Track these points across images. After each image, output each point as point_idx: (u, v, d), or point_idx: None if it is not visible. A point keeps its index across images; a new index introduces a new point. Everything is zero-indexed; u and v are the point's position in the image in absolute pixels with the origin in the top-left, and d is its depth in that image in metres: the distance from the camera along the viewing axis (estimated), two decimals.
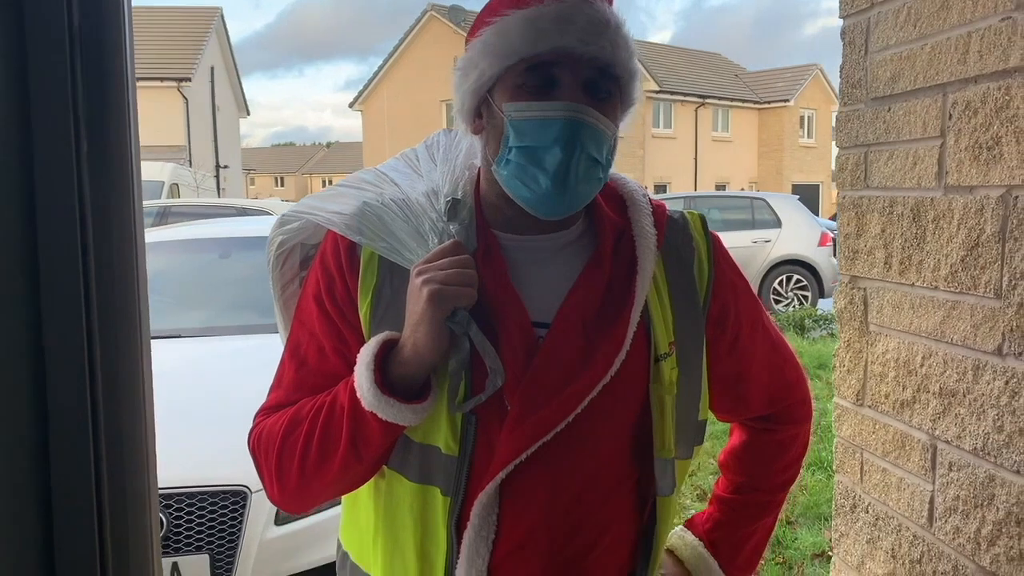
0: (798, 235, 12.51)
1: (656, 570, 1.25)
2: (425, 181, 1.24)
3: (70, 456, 0.74)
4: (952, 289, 1.58)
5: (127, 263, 0.75)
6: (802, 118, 37.44)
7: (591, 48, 1.07)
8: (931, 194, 1.64)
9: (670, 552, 1.40)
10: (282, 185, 67.90)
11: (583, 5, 1.08)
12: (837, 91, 2.00)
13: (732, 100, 36.66)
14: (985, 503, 1.51)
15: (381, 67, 36.61)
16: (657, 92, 32.74)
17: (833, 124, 2.18)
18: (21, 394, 0.71)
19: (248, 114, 37.91)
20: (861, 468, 1.93)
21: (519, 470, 1.09)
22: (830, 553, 2.30)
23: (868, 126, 1.85)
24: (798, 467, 1.41)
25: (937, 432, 1.65)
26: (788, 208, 13.00)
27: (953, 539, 1.60)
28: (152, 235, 5.16)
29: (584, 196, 1.12)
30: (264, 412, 1.22)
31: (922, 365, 1.68)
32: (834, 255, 10.77)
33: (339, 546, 1.31)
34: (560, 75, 1.08)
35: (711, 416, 1.30)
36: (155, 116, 25.24)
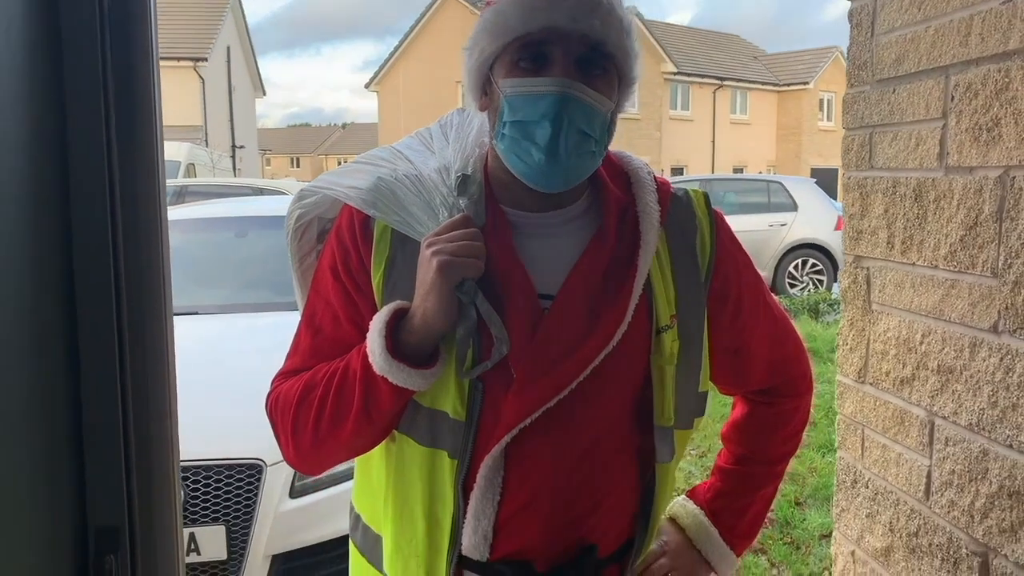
0: (814, 219, 12.44)
1: (655, 535, 1.30)
2: (437, 158, 1.29)
3: (101, 418, 0.78)
4: (951, 268, 1.61)
5: (153, 233, 0.79)
6: (821, 101, 37.07)
7: (581, 25, 1.10)
8: (933, 175, 1.67)
9: (672, 520, 1.45)
10: (298, 166, 67.99)
11: None
12: None
13: (751, 82, 36.35)
14: (979, 477, 1.55)
15: (397, 47, 36.51)
16: (675, 74, 32.52)
17: None
18: (56, 363, 0.76)
19: (264, 94, 37.95)
20: (862, 444, 1.96)
21: (524, 434, 1.14)
22: None
23: (873, 107, 1.87)
24: (798, 439, 1.45)
25: (935, 408, 1.68)
26: (804, 191, 12.93)
27: (948, 512, 1.64)
28: (170, 214, 5.20)
29: (578, 169, 1.16)
30: (281, 377, 1.27)
31: (921, 343, 1.71)
32: None
33: (352, 508, 1.37)
34: (552, 52, 1.12)
35: (720, 398, 1.34)
36: (171, 96, 25.26)
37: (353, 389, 1.15)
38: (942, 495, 1.66)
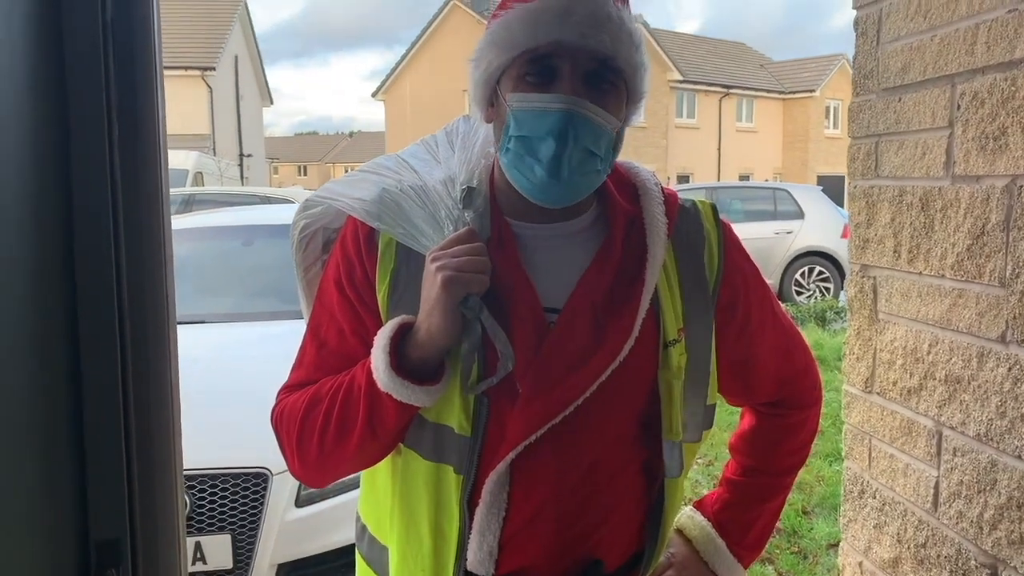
0: (821, 226, 12.41)
1: (663, 550, 1.29)
2: (443, 168, 1.28)
3: (103, 431, 0.78)
4: (958, 277, 1.60)
5: (156, 242, 0.79)
6: (828, 108, 37.05)
7: (590, 41, 1.09)
8: (939, 183, 1.66)
9: (679, 532, 1.44)
10: (305, 174, 68.22)
11: None
12: None
13: (757, 90, 36.36)
14: (987, 488, 1.54)
15: (404, 57, 36.65)
16: (681, 82, 32.56)
17: None
18: (58, 373, 0.76)
19: (271, 103, 38.10)
20: (869, 454, 1.95)
21: (530, 450, 1.13)
22: None
23: (879, 116, 1.87)
24: (807, 451, 1.44)
25: (943, 418, 1.67)
26: (811, 199, 12.91)
27: (957, 523, 1.63)
28: (176, 222, 5.23)
29: (581, 187, 1.15)
30: (286, 390, 1.27)
31: (929, 352, 1.71)
32: None
33: (358, 518, 1.36)
34: (560, 67, 1.11)
35: (726, 408, 1.33)
36: (179, 105, 25.43)
37: (358, 405, 1.14)
38: (950, 506, 1.65)
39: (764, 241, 11.86)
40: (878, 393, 1.91)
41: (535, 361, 1.13)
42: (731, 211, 12.64)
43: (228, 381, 3.33)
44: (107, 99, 0.73)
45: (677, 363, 1.20)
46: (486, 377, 1.13)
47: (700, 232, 1.26)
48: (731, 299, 1.27)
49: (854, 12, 1.97)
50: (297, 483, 2.87)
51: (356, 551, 1.37)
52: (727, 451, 1.48)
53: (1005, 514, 1.49)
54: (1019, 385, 1.45)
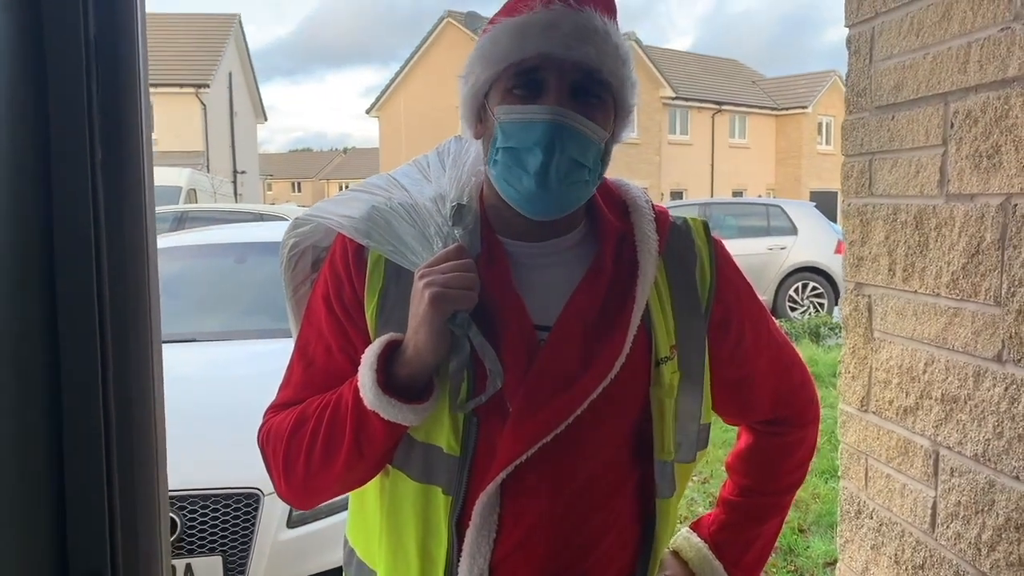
0: (814, 242, 12.45)
1: (656, 572, 1.27)
2: (433, 186, 1.28)
3: (83, 460, 0.77)
4: (954, 296, 1.59)
5: (140, 267, 0.78)
6: (820, 125, 37.27)
7: (574, 53, 1.10)
8: (933, 202, 1.66)
9: (675, 553, 1.42)
10: (299, 191, 68.29)
11: (570, 12, 1.11)
12: None
13: (749, 106, 36.56)
14: (985, 509, 1.52)
15: (398, 74, 36.79)
16: (673, 99, 32.73)
17: None
18: (37, 397, 0.74)
19: (266, 120, 38.19)
20: (866, 474, 1.94)
21: (520, 470, 1.11)
22: None
23: (873, 134, 1.87)
24: (805, 470, 1.43)
25: (939, 438, 1.66)
26: (804, 215, 12.95)
27: (955, 545, 1.61)
28: (169, 240, 5.22)
29: (569, 198, 1.15)
30: (273, 409, 1.25)
31: (924, 371, 1.69)
32: None
33: (345, 542, 1.34)
34: (546, 79, 1.11)
35: (722, 424, 1.32)
36: (173, 122, 25.47)
37: (344, 424, 1.13)
38: (948, 527, 1.63)
39: (758, 257, 11.88)
40: (874, 412, 1.89)
41: (525, 379, 1.12)
42: (724, 227, 12.67)
43: (219, 400, 3.30)
44: (90, 118, 0.72)
45: (669, 381, 1.19)
46: (475, 395, 1.11)
47: (691, 249, 1.26)
48: (724, 316, 1.26)
49: (847, 30, 1.97)
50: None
51: (344, 575, 1.35)
52: (723, 469, 1.47)
53: (1003, 535, 1.48)
54: (1016, 405, 1.44)
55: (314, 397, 1.19)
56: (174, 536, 2.69)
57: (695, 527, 1.44)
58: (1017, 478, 1.44)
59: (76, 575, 0.74)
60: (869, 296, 1.90)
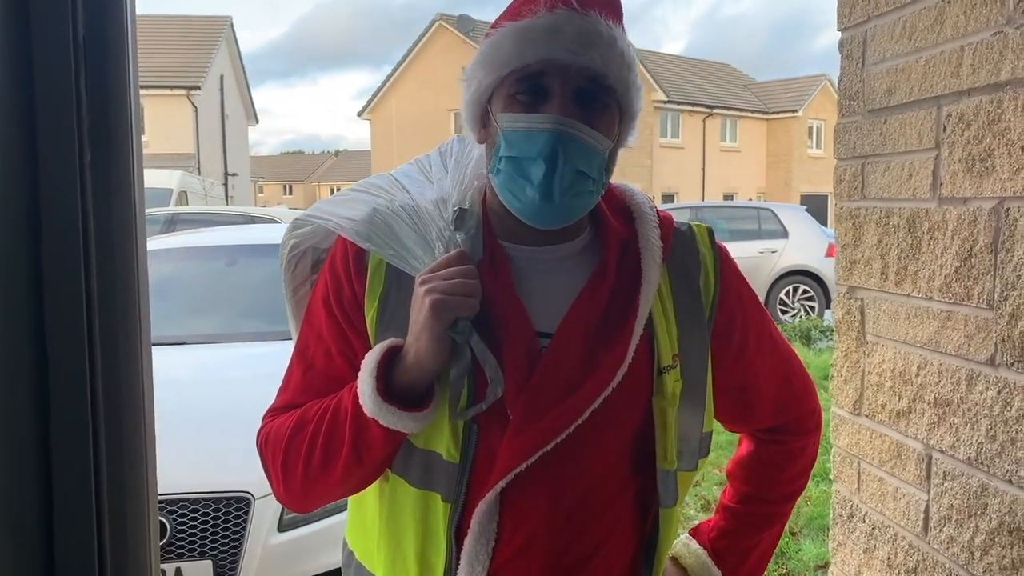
0: (805, 245, 12.49)
1: None
2: (435, 188, 1.26)
3: (71, 463, 0.76)
4: (946, 300, 1.59)
5: (128, 270, 0.77)
6: (810, 128, 37.40)
7: (579, 58, 1.08)
8: (926, 205, 1.66)
9: (674, 560, 1.41)
10: (290, 193, 68.15)
11: (574, 17, 1.09)
12: None
13: (740, 110, 36.67)
14: (978, 512, 1.52)
15: (389, 76, 36.76)
16: (665, 102, 32.80)
17: None
18: (23, 402, 0.73)
19: (257, 122, 38.12)
20: (858, 478, 1.94)
21: (520, 479, 1.10)
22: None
23: (865, 138, 1.87)
24: (806, 478, 1.41)
25: (932, 442, 1.66)
26: (795, 218, 13.00)
27: (947, 548, 1.61)
28: (160, 242, 5.20)
29: (574, 208, 1.13)
30: (272, 413, 1.24)
31: (917, 375, 1.69)
32: None
33: (345, 544, 1.33)
34: (550, 85, 1.09)
35: (717, 427, 1.31)
36: (164, 124, 25.41)
37: (344, 430, 1.11)
38: (941, 530, 1.63)
39: (749, 260, 11.90)
40: (867, 416, 1.89)
41: (526, 387, 1.10)
42: (716, 230, 12.67)
43: (210, 403, 3.29)
44: (78, 119, 0.71)
45: (672, 390, 1.18)
46: (475, 403, 1.10)
47: (696, 256, 1.25)
48: (728, 324, 1.25)
49: (839, 34, 1.98)
50: (280, 507, 2.82)
51: None
52: (715, 472, 1.46)
53: (996, 539, 1.48)
54: (1009, 408, 1.44)
55: (313, 401, 1.18)
56: (164, 540, 2.67)
57: (694, 533, 1.43)
58: (1010, 482, 1.44)
59: None
60: (862, 299, 1.90)
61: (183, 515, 2.72)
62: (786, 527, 1.45)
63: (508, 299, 1.13)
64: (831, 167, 2.03)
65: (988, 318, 1.48)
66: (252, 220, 9.76)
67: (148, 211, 9.50)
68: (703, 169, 34.90)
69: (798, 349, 9.69)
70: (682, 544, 1.42)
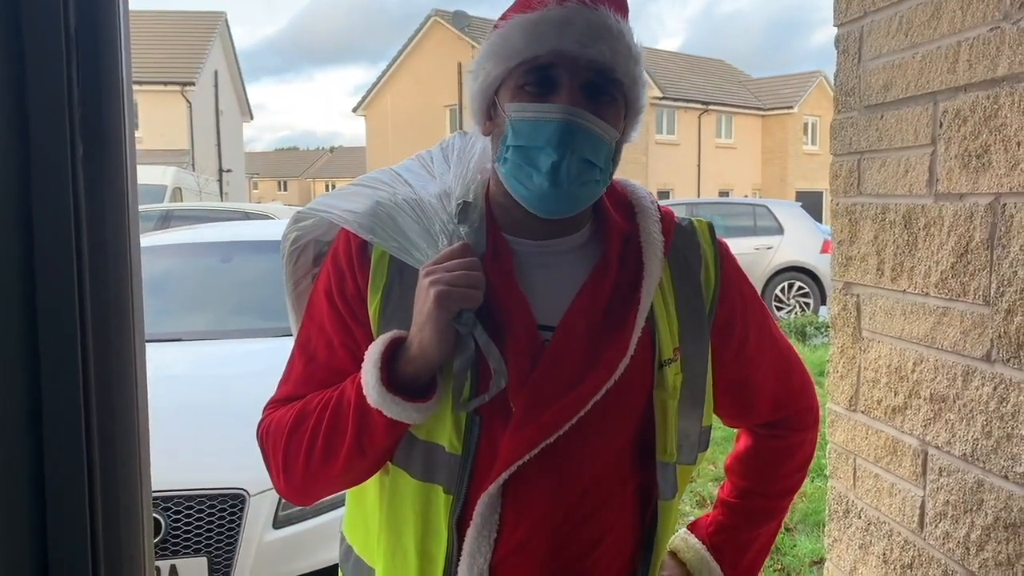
0: (800, 242, 12.51)
1: (656, 574, 1.27)
2: (438, 183, 1.27)
3: (63, 460, 0.75)
4: (942, 296, 1.59)
5: (121, 265, 0.76)
6: (806, 125, 37.45)
7: (589, 51, 1.09)
8: (922, 201, 1.65)
9: (673, 554, 1.42)
10: (285, 189, 68.06)
11: (583, 10, 1.10)
12: None
13: (736, 107, 36.69)
14: (974, 508, 1.52)
15: (384, 72, 36.70)
16: (660, 99, 32.80)
17: None
18: (15, 398, 0.73)
19: (252, 118, 38.04)
20: (854, 474, 1.94)
21: (522, 471, 1.10)
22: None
23: (861, 133, 1.87)
24: (804, 473, 1.42)
25: (928, 438, 1.66)
26: (790, 215, 13.01)
27: (943, 544, 1.61)
28: (154, 239, 5.18)
29: (580, 198, 1.14)
30: (273, 405, 1.24)
31: (913, 371, 1.69)
32: None
33: (342, 539, 1.33)
34: (559, 76, 1.10)
35: (714, 423, 1.32)
36: (158, 120, 25.36)
37: (346, 421, 1.12)
38: (936, 526, 1.63)
39: (744, 257, 11.91)
40: (862, 412, 1.89)
41: (529, 380, 1.11)
42: None
43: (205, 400, 3.28)
44: (70, 112, 0.70)
45: (672, 383, 1.19)
46: (478, 394, 1.11)
47: (697, 251, 1.25)
48: (728, 319, 1.26)
49: (835, 30, 1.97)
50: (275, 504, 2.82)
51: (340, 573, 1.33)
52: (710, 467, 1.47)
53: (992, 535, 1.48)
54: (1005, 404, 1.44)
55: (315, 393, 1.18)
56: (159, 537, 2.67)
57: (692, 528, 1.44)
58: (1006, 477, 1.44)
59: None
60: (857, 295, 1.90)
61: (178, 512, 2.71)
62: (784, 520, 1.46)
63: (511, 292, 1.14)
64: (826, 163, 2.03)
65: (984, 314, 1.48)
66: (247, 216, 9.74)
67: (142, 208, 9.49)
68: (698, 166, 34.92)
69: (794, 345, 9.70)
70: (680, 539, 1.42)
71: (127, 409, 0.79)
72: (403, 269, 1.16)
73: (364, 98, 37.66)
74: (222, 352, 3.89)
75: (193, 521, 2.72)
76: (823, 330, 10.62)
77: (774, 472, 1.39)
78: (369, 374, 1.08)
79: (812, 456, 1.42)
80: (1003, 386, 1.44)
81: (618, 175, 1.30)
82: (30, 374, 0.72)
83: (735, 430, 1.46)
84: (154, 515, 2.65)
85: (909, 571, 1.73)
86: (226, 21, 31.75)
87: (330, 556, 2.78)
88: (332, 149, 78.23)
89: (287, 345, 1.31)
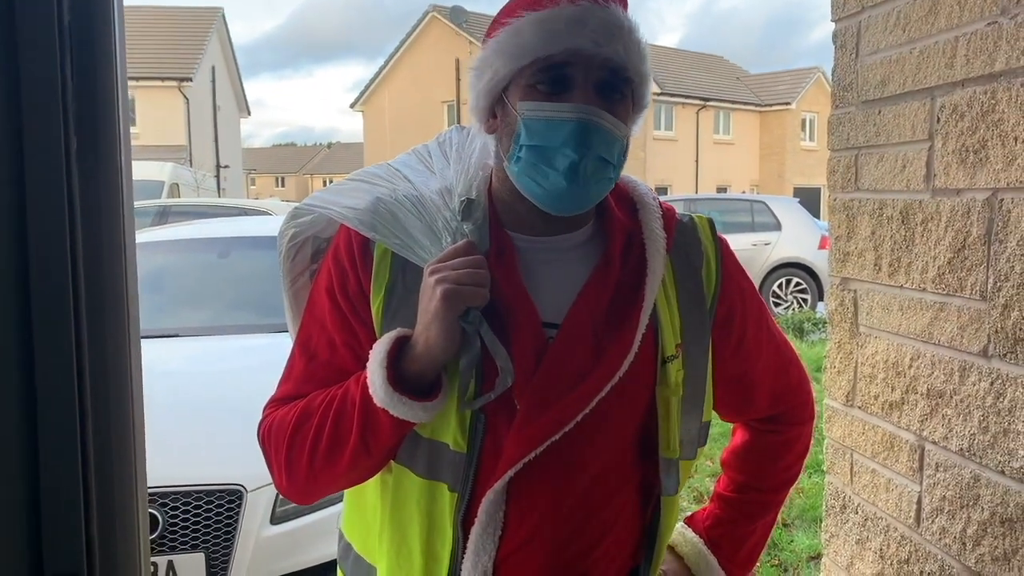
0: (798, 238, 12.52)
1: (658, 568, 1.27)
2: (438, 179, 1.26)
3: (58, 456, 0.75)
4: (940, 291, 1.59)
5: (116, 260, 0.76)
6: (804, 121, 37.44)
7: (604, 50, 1.08)
8: (919, 197, 1.65)
9: (670, 548, 1.42)
10: (283, 185, 67.97)
11: (596, 8, 1.09)
12: None
13: (734, 103, 36.66)
14: (971, 503, 1.52)
15: (382, 68, 36.64)
16: (659, 94, 32.75)
17: None
18: (10, 393, 0.72)
19: (249, 114, 37.97)
20: (851, 469, 1.94)
21: (526, 469, 1.10)
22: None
23: (859, 129, 1.86)
24: (800, 467, 1.43)
25: (925, 433, 1.66)
26: (788, 211, 13.01)
27: (940, 539, 1.62)
28: (151, 234, 5.17)
29: (594, 195, 1.14)
30: (274, 404, 1.23)
31: (910, 367, 1.69)
32: None
33: (341, 536, 1.32)
34: (573, 75, 1.09)
35: (712, 417, 1.32)
36: (156, 116, 25.30)
37: (351, 420, 1.11)
38: (933, 521, 1.63)
39: (742, 253, 11.71)
40: (859, 407, 1.89)
41: (533, 378, 1.11)
42: None
43: (202, 395, 3.28)
44: (64, 106, 0.70)
45: (675, 379, 1.19)
46: (483, 393, 1.10)
47: (698, 248, 1.26)
48: (728, 315, 1.26)
49: (833, 25, 1.97)
50: (272, 500, 2.82)
51: (339, 570, 1.33)
52: (707, 463, 1.48)
53: (988, 530, 1.48)
54: (1001, 399, 1.44)
55: (317, 392, 1.18)
56: (156, 533, 2.66)
57: (689, 522, 1.45)
58: (1002, 472, 1.44)
59: None
60: (855, 291, 1.90)
61: (175, 508, 2.71)
62: (779, 517, 1.46)
63: (515, 289, 1.14)
64: (824, 159, 2.03)
65: (981, 309, 1.48)
66: (244, 212, 9.74)
67: (139, 203, 9.48)
68: (696, 161, 34.91)
69: (791, 341, 9.72)
70: (678, 532, 1.42)
71: (122, 404, 0.79)
72: (406, 266, 1.16)
73: (362, 94, 37.60)
74: (219, 348, 3.89)
75: (191, 517, 2.72)
76: (820, 326, 10.63)
77: (771, 466, 1.40)
78: (375, 373, 1.08)
79: (808, 450, 1.42)
80: (1000, 381, 1.44)
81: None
82: (24, 369, 0.72)
83: (731, 425, 1.46)
84: (152, 511, 2.65)
85: (906, 566, 1.73)
86: (223, 16, 31.67)
87: (328, 552, 2.78)
88: (330, 145, 78.12)
89: (285, 341, 1.31)
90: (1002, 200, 1.43)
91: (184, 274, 4.68)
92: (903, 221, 1.70)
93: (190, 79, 26.77)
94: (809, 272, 12.42)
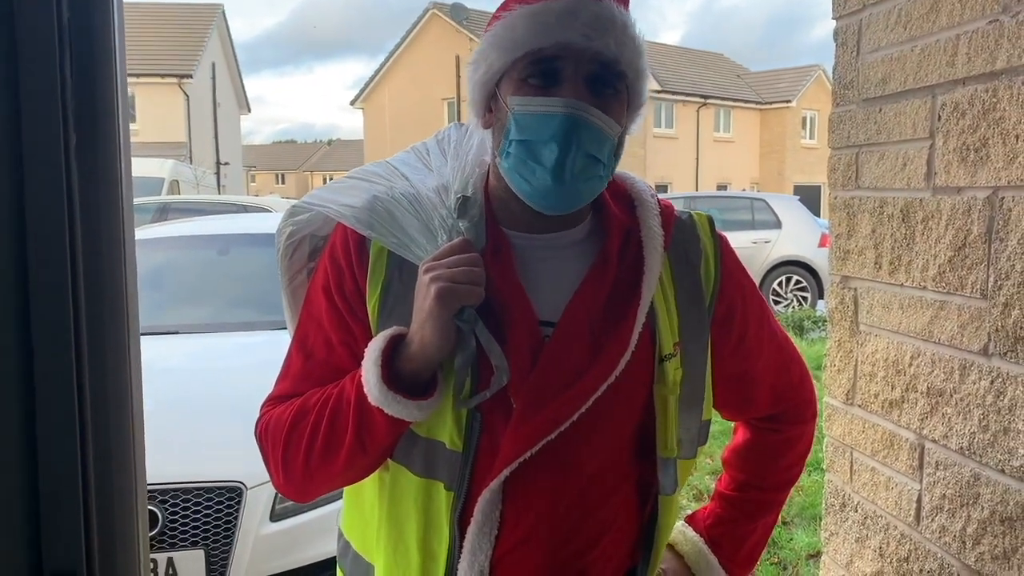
0: (798, 236, 12.51)
1: (656, 567, 1.27)
2: (435, 176, 1.25)
3: (57, 453, 0.75)
4: (940, 289, 1.59)
5: (115, 257, 0.76)
6: (804, 119, 37.43)
7: (595, 43, 1.07)
8: (920, 195, 1.65)
9: (671, 547, 1.41)
10: (283, 182, 67.95)
11: (589, 2, 1.09)
12: None
13: (734, 100, 36.65)
14: (970, 502, 1.52)
15: (382, 65, 36.62)
16: (659, 92, 32.73)
17: None
18: (9, 390, 0.72)
19: (249, 111, 37.96)
20: (851, 467, 1.94)
21: (523, 468, 1.10)
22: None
23: (860, 127, 1.86)
24: (801, 466, 1.42)
25: (925, 431, 1.66)
26: (788, 209, 13.01)
27: (939, 538, 1.62)
28: (151, 231, 5.17)
29: (584, 193, 1.13)
30: (271, 402, 1.23)
31: (910, 365, 1.69)
32: None
33: (340, 534, 1.32)
34: (563, 69, 1.08)
35: (712, 416, 1.32)
36: (156, 112, 25.29)
37: (347, 418, 1.11)
38: (933, 520, 1.63)
39: (742, 251, 11.78)
40: (859, 406, 1.89)
41: (530, 376, 1.10)
42: None
43: (202, 393, 3.28)
44: (63, 102, 0.70)
45: (672, 378, 1.18)
46: (478, 391, 1.10)
47: (697, 245, 1.24)
48: (727, 313, 1.25)
49: (834, 22, 1.97)
50: (272, 497, 2.82)
51: (338, 568, 1.33)
52: (707, 461, 1.47)
53: (988, 528, 1.48)
54: (1002, 398, 1.44)
55: (314, 390, 1.17)
56: (156, 530, 2.67)
57: (690, 521, 1.44)
58: (1002, 471, 1.44)
59: (49, 575, 0.72)
60: (855, 289, 1.90)
61: (175, 505, 2.72)
62: (781, 513, 1.46)
63: (511, 287, 1.13)
64: (824, 157, 2.03)
65: (981, 308, 1.48)
66: (244, 209, 9.73)
67: (140, 200, 9.48)
68: (697, 159, 34.89)
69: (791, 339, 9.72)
70: (678, 532, 1.42)
71: (121, 401, 0.78)
72: (402, 265, 1.15)
73: (362, 91, 37.59)
74: (219, 345, 3.89)
75: (190, 514, 2.72)
76: (820, 324, 10.63)
77: (772, 465, 1.39)
78: (370, 372, 1.07)
79: (810, 449, 1.41)
80: (1000, 380, 1.44)
81: (617, 168, 1.30)
82: (24, 366, 0.72)
83: (732, 423, 1.46)
84: (151, 508, 2.65)
85: (905, 564, 1.73)
86: (223, 13, 31.65)
87: (327, 549, 2.79)
88: (330, 142, 78.03)
89: (285, 338, 1.30)
90: (1003, 199, 1.43)
91: (184, 271, 4.68)
92: (904, 219, 1.70)
93: (190, 76, 26.76)
94: (809, 270, 12.42)
